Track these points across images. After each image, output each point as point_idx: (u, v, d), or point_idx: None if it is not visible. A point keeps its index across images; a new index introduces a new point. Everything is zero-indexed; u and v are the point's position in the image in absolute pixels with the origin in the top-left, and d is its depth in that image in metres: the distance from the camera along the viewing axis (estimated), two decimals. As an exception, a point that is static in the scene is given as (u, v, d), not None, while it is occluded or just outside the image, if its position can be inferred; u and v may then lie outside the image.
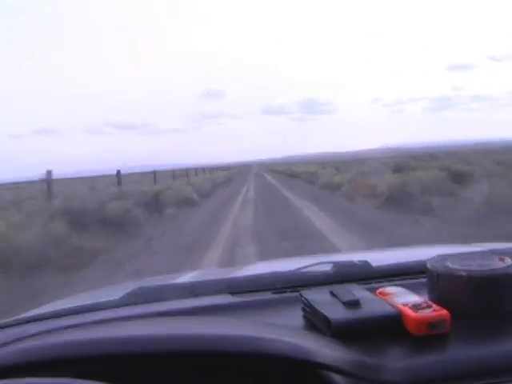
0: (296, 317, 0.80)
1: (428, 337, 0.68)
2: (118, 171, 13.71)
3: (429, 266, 0.80)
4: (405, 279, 0.95)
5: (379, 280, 0.95)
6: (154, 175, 18.79)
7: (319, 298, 0.79)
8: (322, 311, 0.74)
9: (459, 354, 0.65)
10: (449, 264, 0.79)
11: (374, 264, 1.01)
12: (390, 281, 0.94)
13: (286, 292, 0.93)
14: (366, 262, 1.02)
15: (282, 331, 0.68)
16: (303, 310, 0.81)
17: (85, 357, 0.62)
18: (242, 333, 0.67)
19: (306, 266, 1.05)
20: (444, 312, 0.69)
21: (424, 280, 0.83)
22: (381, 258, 1.26)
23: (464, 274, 0.76)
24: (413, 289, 0.80)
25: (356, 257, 1.08)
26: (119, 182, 13.38)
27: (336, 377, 0.62)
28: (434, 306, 0.70)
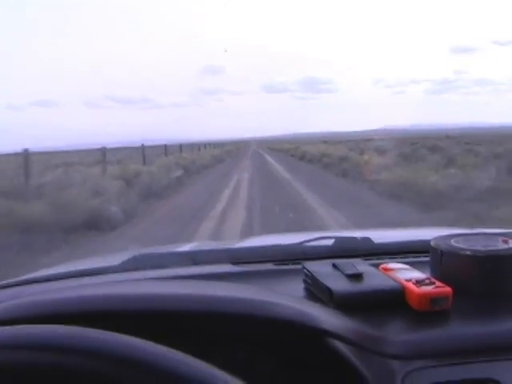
0: (298, 288, 0.87)
1: (430, 312, 0.74)
2: None
3: (433, 243, 0.87)
4: (408, 257, 1.02)
5: (381, 256, 1.01)
6: (27, 160, 6.54)
7: (322, 270, 0.86)
8: (325, 282, 0.81)
9: (459, 330, 0.72)
10: (453, 243, 0.86)
11: (376, 241, 1.09)
12: (393, 258, 1.00)
13: (287, 264, 1.00)
14: (368, 238, 1.08)
15: (286, 298, 0.76)
16: (305, 281, 0.88)
17: (82, 313, 0.65)
18: (246, 296, 0.72)
19: (309, 240, 1.10)
20: (447, 289, 0.76)
21: (427, 259, 0.90)
22: (384, 235, 1.31)
23: (468, 252, 0.82)
24: (416, 266, 0.88)
25: (359, 234, 1.13)
26: None
27: (339, 345, 0.70)
28: (437, 282, 0.79)
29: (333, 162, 19.04)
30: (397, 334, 0.69)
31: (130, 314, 0.66)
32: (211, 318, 0.68)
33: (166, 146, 22.96)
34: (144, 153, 16.74)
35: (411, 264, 0.89)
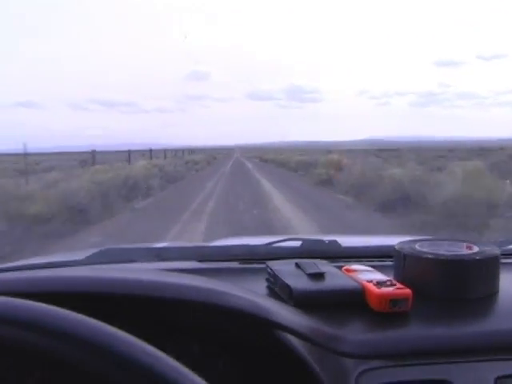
0: (260, 286, 0.89)
1: (389, 314, 0.75)
2: None
3: (397, 247, 0.89)
4: (373, 261, 1.02)
5: (347, 259, 1.02)
6: None
7: (284, 268, 0.87)
8: (286, 280, 0.82)
9: (416, 332, 0.73)
10: (417, 247, 0.88)
11: (343, 245, 1.10)
12: (358, 261, 1.00)
13: (252, 263, 1.01)
14: (335, 241, 1.09)
15: (244, 291, 0.76)
16: (267, 280, 0.89)
17: (43, 292, 0.64)
18: (202, 285, 0.72)
19: (276, 241, 1.11)
20: (407, 291, 0.77)
21: (391, 263, 0.90)
22: (351, 240, 1.32)
23: (430, 256, 0.82)
24: (380, 269, 0.88)
25: (327, 238, 1.14)
26: None
27: (294, 340, 0.70)
28: (398, 284, 0.80)
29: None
30: (353, 333, 0.70)
31: (81, 296, 0.65)
32: (163, 305, 0.68)
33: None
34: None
35: (376, 267, 0.89)
